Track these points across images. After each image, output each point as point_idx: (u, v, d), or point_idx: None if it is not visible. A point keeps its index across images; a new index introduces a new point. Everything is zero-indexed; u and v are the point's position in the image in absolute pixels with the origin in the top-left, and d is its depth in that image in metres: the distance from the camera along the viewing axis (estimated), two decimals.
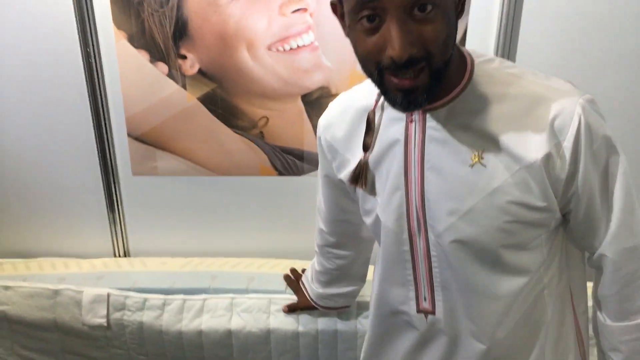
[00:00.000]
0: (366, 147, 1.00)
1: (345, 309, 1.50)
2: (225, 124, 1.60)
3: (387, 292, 1.10)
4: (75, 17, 1.50)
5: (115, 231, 1.77)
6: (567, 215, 0.94)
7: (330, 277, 1.39)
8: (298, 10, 1.46)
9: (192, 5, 1.46)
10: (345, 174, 1.06)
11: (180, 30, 1.49)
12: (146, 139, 1.63)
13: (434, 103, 0.91)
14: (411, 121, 0.94)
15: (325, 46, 1.50)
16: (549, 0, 1.42)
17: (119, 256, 1.81)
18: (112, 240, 1.79)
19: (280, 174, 1.66)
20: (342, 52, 1.50)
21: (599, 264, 0.95)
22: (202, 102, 1.57)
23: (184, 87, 1.56)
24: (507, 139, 0.88)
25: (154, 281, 1.65)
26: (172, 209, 1.76)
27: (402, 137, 0.95)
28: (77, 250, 1.80)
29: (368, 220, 1.08)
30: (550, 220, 0.92)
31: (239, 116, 1.59)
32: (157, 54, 1.52)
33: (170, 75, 1.54)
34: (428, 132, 0.93)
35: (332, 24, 1.47)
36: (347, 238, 1.30)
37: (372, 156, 1.00)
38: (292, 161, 1.64)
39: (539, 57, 1.46)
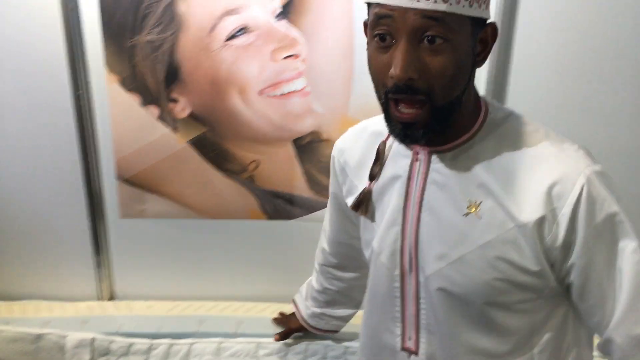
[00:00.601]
0: (372, 177, 1.01)
1: (333, 333, 1.48)
2: (216, 168, 1.60)
3: (375, 324, 1.09)
4: (67, 60, 1.51)
5: (101, 274, 1.75)
6: (569, 288, 0.90)
7: (327, 297, 1.38)
8: (290, 56, 1.47)
9: (184, 50, 1.47)
10: (351, 199, 1.07)
11: (172, 75, 1.50)
12: (135, 181, 1.62)
13: (441, 146, 0.92)
14: (416, 160, 0.94)
15: (317, 92, 1.51)
16: (538, 51, 1.45)
17: (105, 299, 1.78)
18: (98, 284, 1.76)
19: (270, 218, 1.66)
20: (333, 98, 1.51)
21: (608, 349, 0.90)
22: (192, 145, 1.57)
23: (175, 130, 1.55)
24: (505, 194, 0.87)
25: (139, 325, 1.62)
26: (159, 252, 1.74)
27: (405, 174, 0.96)
28: (62, 293, 1.76)
29: (366, 252, 1.08)
30: (543, 286, 0.89)
31: (230, 160, 1.59)
32: (148, 98, 1.53)
33: (161, 118, 1.54)
34: (430, 173, 0.93)
35: (323, 70, 1.49)
36: (348, 261, 1.29)
37: (377, 186, 1.01)
38: (282, 205, 1.64)
39: (527, 106, 1.48)
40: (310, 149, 1.57)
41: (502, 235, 0.87)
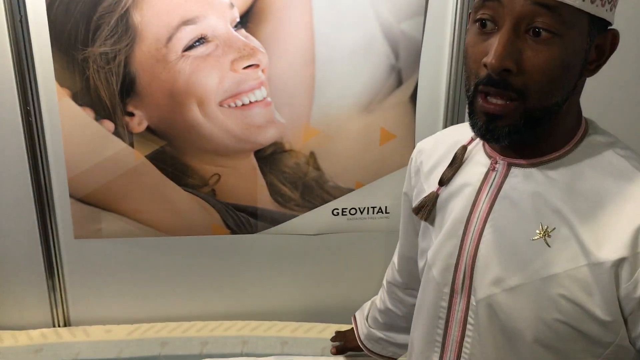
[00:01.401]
0: (442, 181, 0.94)
1: None
2: (175, 182, 1.54)
3: (414, 341, 1.01)
4: (15, 74, 1.43)
5: (55, 299, 1.66)
6: None
7: (388, 319, 1.29)
8: (250, 66, 1.44)
9: (140, 61, 1.42)
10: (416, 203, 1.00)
11: (128, 87, 1.44)
12: (90, 200, 1.55)
13: (525, 159, 0.84)
14: (493, 169, 0.87)
15: (278, 102, 1.48)
16: None
17: (59, 326, 1.68)
18: (52, 309, 1.67)
19: (233, 232, 1.61)
20: (295, 107, 1.49)
21: None
22: (150, 160, 1.52)
23: (132, 145, 1.50)
24: (584, 226, 0.77)
25: (98, 351, 1.54)
26: (117, 273, 1.66)
27: (476, 183, 0.88)
28: (13, 321, 1.66)
29: (420, 263, 1.00)
30: (610, 341, 0.77)
31: (190, 174, 1.54)
32: (102, 112, 1.46)
33: (116, 133, 1.48)
34: (505, 187, 0.85)
35: (285, 79, 1.47)
36: (414, 282, 1.13)
37: (445, 193, 0.94)
38: (245, 219, 1.60)
39: None
40: (273, 160, 1.54)
41: (572, 271, 0.77)
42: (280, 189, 1.57)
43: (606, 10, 0.74)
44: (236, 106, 1.47)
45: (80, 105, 1.46)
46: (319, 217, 1.61)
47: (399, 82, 1.50)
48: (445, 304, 0.91)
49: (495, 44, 0.72)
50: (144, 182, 1.53)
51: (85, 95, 1.45)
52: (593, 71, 0.79)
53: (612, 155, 0.81)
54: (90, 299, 1.68)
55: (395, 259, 1.23)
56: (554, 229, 0.79)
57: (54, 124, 1.49)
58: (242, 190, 1.56)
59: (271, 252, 1.67)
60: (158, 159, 1.52)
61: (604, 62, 0.79)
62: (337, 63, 1.46)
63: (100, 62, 1.42)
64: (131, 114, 1.47)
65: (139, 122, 1.48)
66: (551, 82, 0.74)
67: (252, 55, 1.44)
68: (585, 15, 0.72)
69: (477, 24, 0.76)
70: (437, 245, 0.92)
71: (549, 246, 0.79)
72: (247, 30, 1.42)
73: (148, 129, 1.49)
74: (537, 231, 0.80)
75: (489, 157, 0.88)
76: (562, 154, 0.82)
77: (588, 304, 0.76)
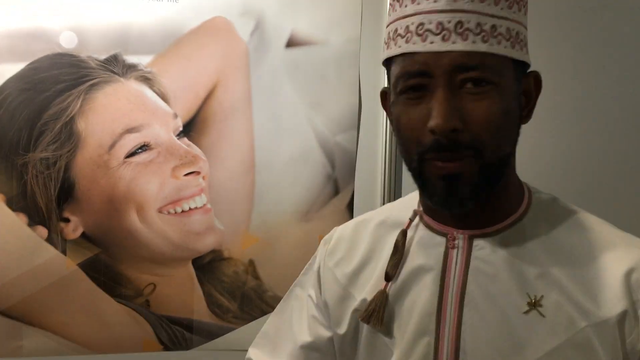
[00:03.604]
0: (389, 277, 0.81)
1: None
2: (108, 293, 1.48)
3: None
4: None
5: None
6: None
7: None
8: (191, 173, 1.48)
9: (80, 167, 1.44)
10: (342, 321, 0.85)
11: (66, 193, 1.44)
12: (13, 312, 1.45)
13: (484, 228, 0.77)
14: (453, 247, 0.78)
15: (218, 209, 1.50)
16: None
17: None
18: None
19: (167, 348, 1.52)
20: (235, 214, 1.51)
21: None
22: (83, 268, 1.46)
23: (64, 252, 1.45)
24: (574, 285, 0.72)
25: None
26: None
27: (438, 266, 0.78)
28: None
29: None
30: None
31: (124, 284, 1.49)
32: (37, 218, 1.44)
33: (49, 239, 1.44)
34: (473, 262, 0.76)
35: (225, 187, 1.50)
36: None
37: (392, 289, 0.81)
38: (180, 332, 1.52)
39: None
40: (211, 268, 1.51)
41: (573, 338, 0.70)
42: (218, 300, 1.53)
43: (524, 53, 0.74)
44: (175, 213, 1.48)
45: (14, 210, 1.43)
46: (258, 330, 1.54)
47: (336, 191, 1.56)
48: None
49: (436, 106, 0.69)
50: (74, 292, 1.46)
51: (20, 200, 1.43)
52: (527, 117, 0.77)
53: (563, 210, 0.79)
54: None
55: None
56: (542, 296, 0.72)
57: None
58: (178, 301, 1.51)
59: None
60: (91, 267, 1.47)
61: (534, 106, 0.78)
62: (276, 171, 1.52)
63: (40, 167, 1.43)
64: (67, 220, 1.45)
65: (74, 229, 1.45)
66: (498, 131, 0.71)
67: (193, 162, 1.48)
68: (510, 61, 0.72)
69: (406, 94, 0.73)
70: (404, 350, 0.78)
71: (544, 316, 0.72)
72: (189, 139, 1.48)
73: (83, 235, 1.46)
74: (527, 303, 0.73)
75: (442, 234, 0.80)
76: (521, 215, 0.78)
77: None
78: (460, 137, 0.69)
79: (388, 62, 0.77)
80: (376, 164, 1.57)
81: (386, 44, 0.77)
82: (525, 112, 0.77)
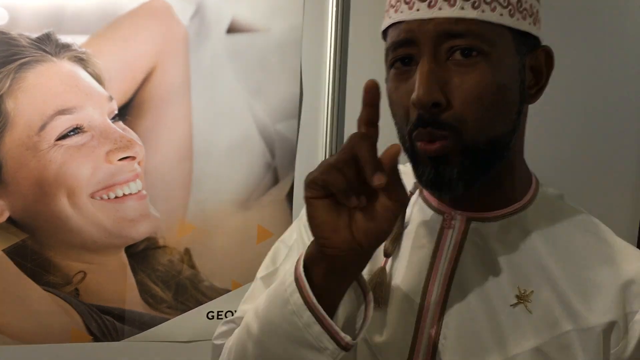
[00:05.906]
0: (388, 253, 0.76)
1: None
2: (34, 281, 1.42)
3: None
4: None
5: None
6: None
7: None
8: (126, 158, 1.44)
9: (8, 149, 1.38)
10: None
11: None
12: None
13: (484, 212, 0.73)
14: (448, 227, 0.74)
15: (154, 195, 1.46)
16: None
17: None
18: None
19: (96, 339, 1.47)
20: (171, 201, 1.47)
21: None
22: (8, 254, 1.40)
23: None
24: (570, 284, 0.69)
25: None
26: None
27: (431, 245, 0.74)
28: None
29: None
30: None
31: (52, 271, 1.43)
32: None
33: None
34: (467, 245, 0.73)
35: (161, 173, 1.46)
36: None
37: (387, 265, 0.77)
38: (110, 323, 1.47)
39: None
40: (145, 256, 1.47)
41: (556, 339, 0.67)
42: (151, 289, 1.49)
43: (528, 23, 0.67)
44: (109, 198, 1.43)
45: None
46: (193, 321, 1.51)
47: (276, 180, 1.54)
48: None
49: (417, 77, 0.64)
50: None
51: None
52: (534, 96, 0.72)
53: (569, 209, 0.76)
54: None
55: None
56: (532, 291, 0.69)
57: None
58: (109, 290, 1.46)
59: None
60: (17, 254, 1.40)
61: (545, 84, 0.72)
62: (215, 158, 1.49)
63: None
64: None
65: (0, 212, 1.39)
66: (489, 107, 0.65)
67: (128, 147, 1.44)
68: (508, 30, 0.66)
69: (396, 64, 0.68)
70: (388, 326, 0.74)
71: (531, 312, 0.69)
72: (125, 123, 1.44)
73: (9, 219, 1.40)
74: (515, 296, 0.70)
75: (439, 212, 0.76)
76: (524, 205, 0.74)
77: None
78: (443, 114, 0.64)
79: (385, 31, 0.72)
80: (316, 154, 1.56)
81: (384, 18, 0.73)
82: (533, 90, 0.71)
